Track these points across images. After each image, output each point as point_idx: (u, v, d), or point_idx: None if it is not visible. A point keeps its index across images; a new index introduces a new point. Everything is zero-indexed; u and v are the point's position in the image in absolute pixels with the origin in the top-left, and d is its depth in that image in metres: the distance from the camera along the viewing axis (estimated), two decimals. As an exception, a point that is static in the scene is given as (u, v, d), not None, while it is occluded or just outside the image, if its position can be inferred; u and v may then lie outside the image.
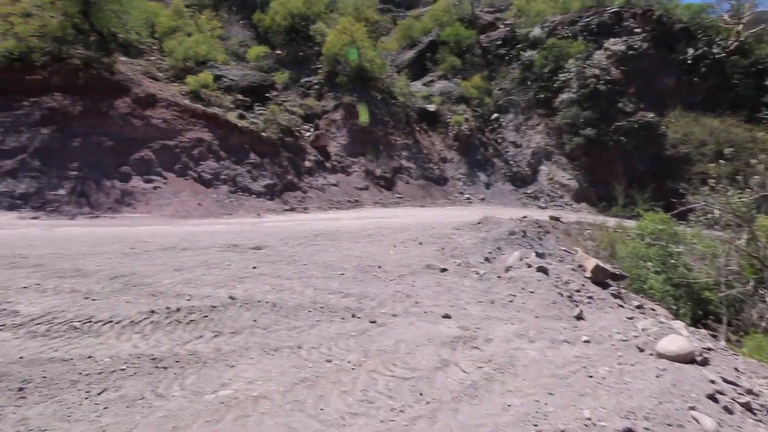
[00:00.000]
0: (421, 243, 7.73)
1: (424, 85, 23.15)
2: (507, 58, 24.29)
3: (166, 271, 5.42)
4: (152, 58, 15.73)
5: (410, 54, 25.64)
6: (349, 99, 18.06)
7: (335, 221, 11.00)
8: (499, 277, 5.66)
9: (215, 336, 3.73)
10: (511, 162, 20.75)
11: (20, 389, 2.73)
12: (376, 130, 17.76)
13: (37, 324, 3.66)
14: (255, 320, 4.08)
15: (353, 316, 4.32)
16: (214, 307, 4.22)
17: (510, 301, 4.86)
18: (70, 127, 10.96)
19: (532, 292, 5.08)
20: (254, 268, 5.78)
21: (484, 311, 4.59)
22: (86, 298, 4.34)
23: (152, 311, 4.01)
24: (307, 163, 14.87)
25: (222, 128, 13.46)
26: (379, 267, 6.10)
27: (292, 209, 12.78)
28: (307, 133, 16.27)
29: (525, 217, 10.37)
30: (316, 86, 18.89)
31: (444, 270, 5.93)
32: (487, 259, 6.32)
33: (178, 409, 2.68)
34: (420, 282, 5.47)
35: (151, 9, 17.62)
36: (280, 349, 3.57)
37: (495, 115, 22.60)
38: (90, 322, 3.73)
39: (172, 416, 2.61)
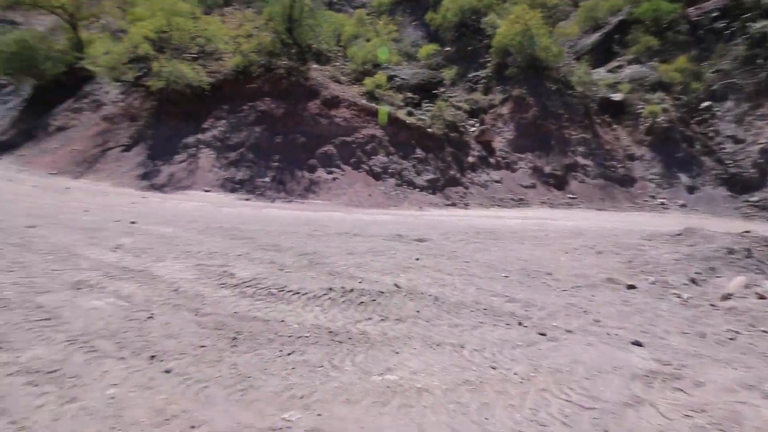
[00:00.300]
0: (599, 252, 6.76)
1: (610, 71, 20.27)
2: (727, 32, 19.39)
3: (341, 254, 5.97)
4: (337, 63, 17.68)
5: (594, 38, 22.77)
6: (518, 92, 17.09)
7: (497, 219, 10.55)
8: (712, 305, 4.50)
9: (382, 320, 3.89)
10: (728, 161, 16.55)
11: (234, 339, 3.31)
12: (548, 124, 16.36)
13: (247, 286, 4.42)
14: (418, 311, 4.13)
15: (519, 323, 3.99)
16: (381, 292, 4.43)
17: (731, 339, 3.79)
18: (275, 127, 13.15)
19: (765, 332, 3.87)
20: (417, 259, 5.90)
21: (691, 345, 3.69)
22: (281, 270, 5.07)
23: (330, 288, 4.43)
24: (470, 159, 14.66)
25: (392, 125, 14.27)
26: (549, 274, 5.54)
27: (453, 204, 12.77)
28: (472, 129, 16.02)
29: (748, 231, 8.07)
30: (484, 80, 18.43)
31: (632, 287, 5.03)
32: (693, 281, 5.11)
33: (350, 384, 2.85)
34: (600, 297, 4.75)
35: (338, 20, 19.79)
36: (443, 345, 3.51)
37: (706, 104, 18.34)
38: (283, 291, 4.33)
39: (344, 389, 2.79)
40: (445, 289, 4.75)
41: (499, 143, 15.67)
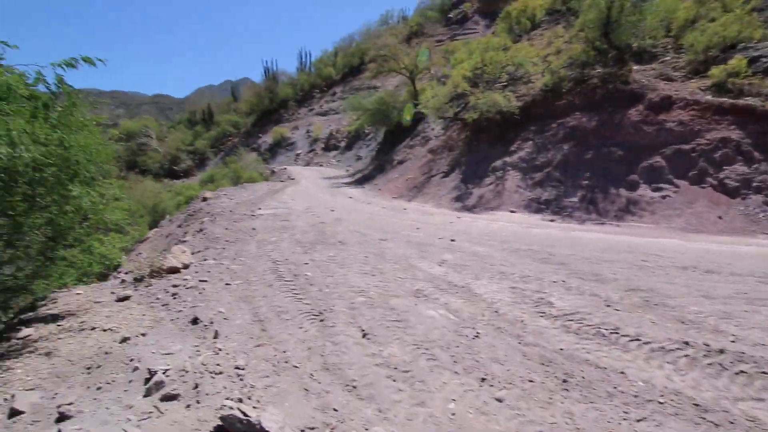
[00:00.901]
0: None
1: None
2: None
3: (690, 296, 4.60)
4: (667, 58, 14.62)
5: None
6: None
7: None
8: None
9: (787, 409, 2.60)
10: None
11: (564, 381, 2.93)
12: None
13: (569, 320, 3.96)
14: None
15: None
16: (779, 364, 3.03)
17: None
18: (586, 142, 12.07)
19: None
20: (839, 320, 3.82)
21: None
22: (607, 305, 4.34)
23: (685, 342, 3.39)
24: None
25: (757, 122, 10.43)
26: None
27: None
28: None
29: None
30: None
31: None
32: None
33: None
34: None
35: (667, 6, 16.41)
36: None
37: None
38: (617, 333, 3.62)
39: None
40: None
41: None
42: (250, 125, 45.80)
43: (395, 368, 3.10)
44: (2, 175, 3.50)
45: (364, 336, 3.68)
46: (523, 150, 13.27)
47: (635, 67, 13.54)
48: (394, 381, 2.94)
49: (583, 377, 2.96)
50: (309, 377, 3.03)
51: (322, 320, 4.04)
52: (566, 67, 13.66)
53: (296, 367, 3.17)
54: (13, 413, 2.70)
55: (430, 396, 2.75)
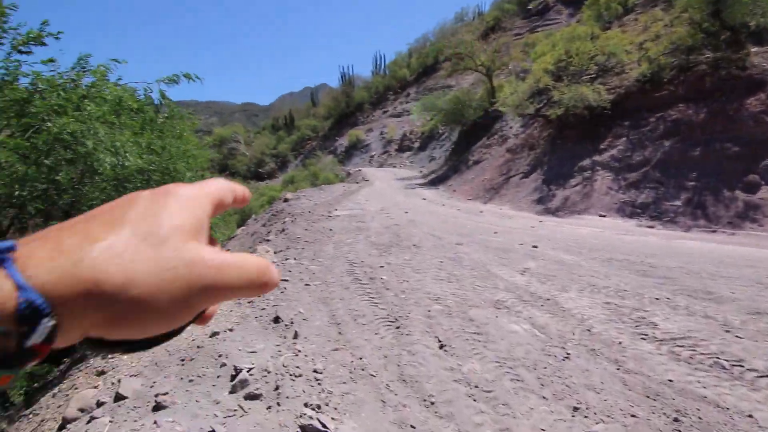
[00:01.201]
0: None
1: None
2: None
3: (840, 324, 3.78)
4: (797, 36, 12.44)
5: None
6: None
7: None
8: None
9: None
10: None
11: (675, 420, 2.53)
12: None
13: (678, 346, 3.46)
14: None
15: None
16: None
17: None
18: (692, 137, 10.67)
19: None
20: None
21: None
22: (726, 331, 3.72)
23: (839, 385, 2.77)
24: None
25: None
26: None
27: None
28: None
29: None
30: None
31: None
32: None
33: None
34: None
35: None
36: None
37: None
38: (741, 366, 3.08)
39: None
40: None
41: None
42: (327, 129, 47.68)
43: (476, 386, 2.92)
44: (113, 182, 3.92)
45: (441, 347, 3.54)
46: (615, 147, 12.11)
47: (754, 50, 11.69)
48: (475, 401, 2.76)
49: (700, 418, 2.53)
50: (385, 388, 2.96)
51: (398, 327, 3.97)
52: (667, 53, 12.20)
53: (372, 375, 3.12)
54: (118, 398, 2.98)
55: (515, 422, 2.53)
